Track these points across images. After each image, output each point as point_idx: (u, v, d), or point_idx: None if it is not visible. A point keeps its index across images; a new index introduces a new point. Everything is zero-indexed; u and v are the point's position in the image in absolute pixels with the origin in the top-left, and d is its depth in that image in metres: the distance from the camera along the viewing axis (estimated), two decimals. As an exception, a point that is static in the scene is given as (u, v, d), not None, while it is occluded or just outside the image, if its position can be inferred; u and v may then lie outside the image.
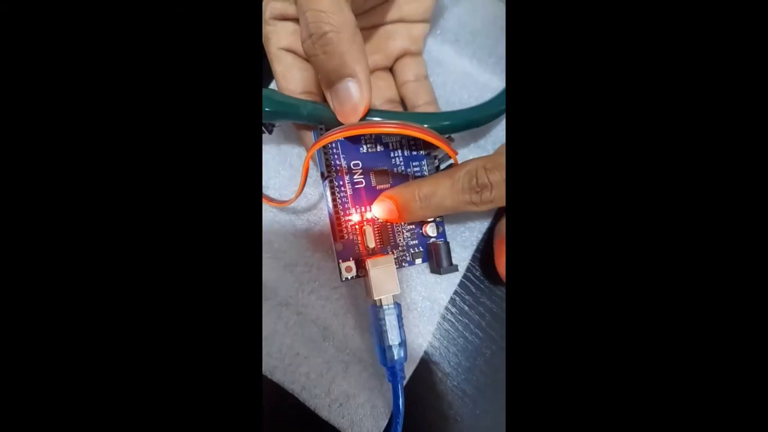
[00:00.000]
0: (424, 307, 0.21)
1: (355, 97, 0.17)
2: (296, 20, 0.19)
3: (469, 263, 0.22)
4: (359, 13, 0.19)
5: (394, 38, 0.22)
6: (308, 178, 0.21)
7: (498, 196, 0.17)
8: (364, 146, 0.20)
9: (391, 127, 0.17)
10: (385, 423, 0.19)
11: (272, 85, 0.22)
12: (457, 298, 0.22)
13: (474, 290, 0.22)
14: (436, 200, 0.18)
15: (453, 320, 0.21)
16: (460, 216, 0.22)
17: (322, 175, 0.19)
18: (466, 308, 0.22)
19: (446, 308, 0.21)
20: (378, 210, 0.19)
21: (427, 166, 0.21)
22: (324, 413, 0.19)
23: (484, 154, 0.18)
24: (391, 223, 0.20)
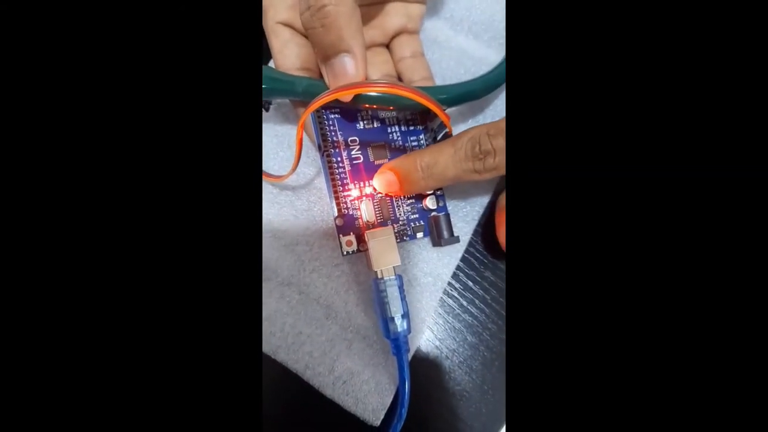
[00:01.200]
0: (427, 283, 0.21)
1: (350, 72, 0.17)
2: None
3: (471, 238, 0.22)
4: None
5: (392, 16, 0.22)
6: (306, 157, 0.21)
7: (501, 162, 0.17)
8: (361, 123, 0.20)
9: (381, 87, 0.16)
10: (390, 399, 0.19)
11: (270, 63, 0.22)
12: (460, 273, 0.21)
13: (477, 265, 0.22)
14: (439, 169, 0.18)
15: (456, 296, 0.21)
16: (460, 190, 0.22)
17: (319, 147, 0.19)
18: (470, 283, 0.21)
19: (449, 284, 0.21)
20: (379, 183, 0.19)
21: (425, 140, 0.21)
22: (328, 391, 0.19)
23: None
24: (391, 198, 0.20)
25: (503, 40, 0.24)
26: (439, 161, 0.17)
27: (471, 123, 0.23)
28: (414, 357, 0.20)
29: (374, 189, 0.20)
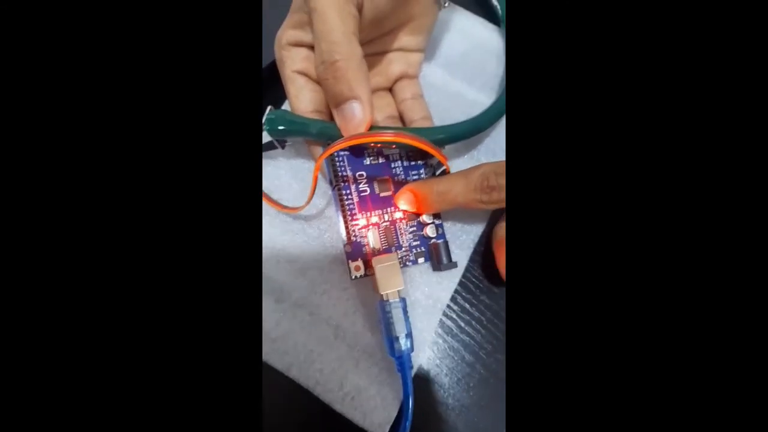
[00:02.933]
0: (428, 305, 0.23)
1: (358, 115, 0.20)
2: (309, 47, 0.21)
3: (468, 263, 0.24)
4: (365, 42, 0.22)
5: (394, 63, 0.25)
6: (317, 190, 0.24)
7: (503, 197, 0.19)
8: (368, 159, 0.23)
9: (387, 136, 0.19)
10: (395, 413, 0.21)
11: (285, 106, 0.25)
12: (458, 297, 0.23)
13: (473, 289, 0.23)
14: (451, 196, 0.20)
15: (455, 317, 0.23)
16: (458, 219, 0.24)
17: (331, 183, 0.21)
18: (467, 306, 0.23)
19: (448, 306, 0.23)
20: (401, 200, 0.22)
21: (425, 174, 0.23)
22: (337, 406, 0.21)
23: (478, 163, 0.20)
24: (395, 226, 0.22)
25: (494, 86, 0.27)
26: (452, 189, 0.20)
27: (466, 157, 0.26)
28: (416, 374, 0.22)
29: (394, 208, 0.22)
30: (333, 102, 0.20)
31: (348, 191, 0.22)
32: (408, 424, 0.19)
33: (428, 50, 0.27)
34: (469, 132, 0.23)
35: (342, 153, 0.22)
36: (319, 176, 0.24)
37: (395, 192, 0.22)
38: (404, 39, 0.24)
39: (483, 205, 0.20)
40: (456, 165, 0.25)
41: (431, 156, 0.23)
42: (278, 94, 0.24)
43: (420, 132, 0.23)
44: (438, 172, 0.22)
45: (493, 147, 0.26)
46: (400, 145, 0.22)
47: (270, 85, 0.25)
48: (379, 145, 0.22)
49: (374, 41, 0.24)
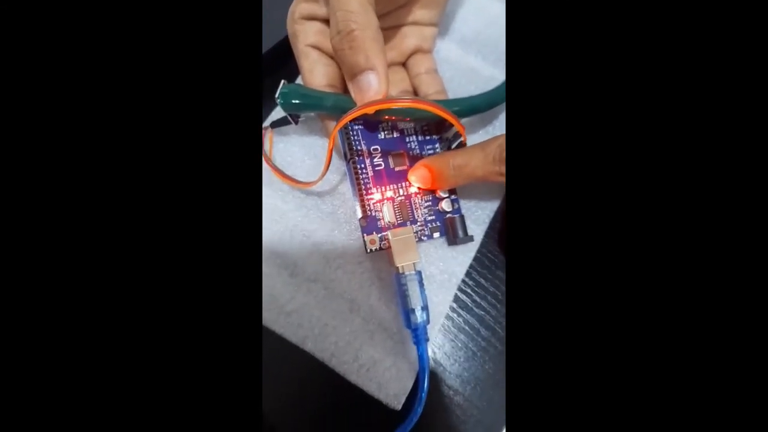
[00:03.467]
0: (443, 280, 0.22)
1: (374, 87, 0.20)
2: (322, 20, 0.21)
3: (483, 239, 0.23)
4: (380, 15, 0.22)
5: (408, 37, 0.24)
6: (330, 166, 0.24)
7: None
8: (382, 133, 0.22)
9: (404, 102, 0.19)
10: (410, 384, 0.21)
11: (298, 80, 0.24)
12: (473, 272, 0.23)
13: (488, 264, 0.23)
14: (469, 170, 0.20)
15: (470, 291, 0.23)
16: (473, 195, 0.24)
17: (345, 156, 0.21)
18: (482, 281, 0.23)
19: (463, 281, 0.23)
20: (414, 177, 0.21)
21: (441, 148, 0.23)
22: (353, 377, 0.21)
23: (491, 137, 0.20)
24: (410, 200, 0.22)
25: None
26: (470, 163, 0.20)
27: (481, 132, 0.25)
28: (431, 348, 0.22)
29: (409, 182, 0.22)
30: (348, 73, 0.20)
31: (363, 165, 0.22)
32: (424, 395, 0.19)
33: (442, 26, 0.27)
34: (485, 105, 0.23)
35: (356, 127, 0.22)
36: (333, 152, 0.24)
37: (410, 166, 0.22)
38: (418, 13, 0.24)
39: (502, 178, 0.19)
40: (471, 139, 0.25)
41: (446, 130, 0.22)
42: (291, 70, 0.24)
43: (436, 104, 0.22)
44: (454, 145, 0.22)
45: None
46: (415, 118, 0.22)
47: (283, 61, 0.25)
48: (393, 118, 0.22)
49: (389, 14, 0.23)
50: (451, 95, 0.25)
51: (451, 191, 0.22)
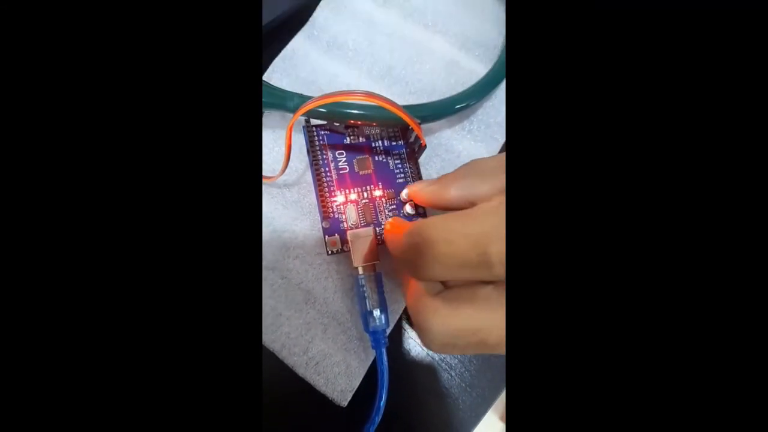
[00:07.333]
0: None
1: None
2: None
3: (450, 238, 0.23)
4: None
5: None
6: (299, 154, 0.23)
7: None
8: (348, 138, 0.22)
9: (359, 95, 0.18)
10: (358, 383, 0.20)
11: (264, 76, 0.24)
12: (437, 271, 0.22)
13: (453, 264, 0.22)
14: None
15: (431, 291, 0.22)
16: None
17: (308, 150, 0.21)
18: (445, 281, 0.22)
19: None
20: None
21: (406, 153, 0.22)
22: (300, 370, 0.20)
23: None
24: (374, 204, 0.21)
25: (492, 57, 0.25)
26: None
27: (457, 127, 0.24)
28: (391, 352, 0.21)
29: (374, 185, 0.21)
30: None
31: (327, 168, 0.21)
32: (382, 403, 0.19)
33: (425, 14, 0.26)
34: (445, 111, 0.22)
35: (322, 132, 0.21)
36: (299, 147, 0.23)
37: (375, 170, 0.21)
38: None
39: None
40: (446, 135, 0.24)
41: (410, 133, 0.22)
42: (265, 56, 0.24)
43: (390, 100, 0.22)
44: (417, 148, 0.21)
45: (487, 119, 0.24)
46: (380, 121, 0.21)
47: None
48: (360, 123, 0.21)
49: None
50: (431, 86, 0.25)
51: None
